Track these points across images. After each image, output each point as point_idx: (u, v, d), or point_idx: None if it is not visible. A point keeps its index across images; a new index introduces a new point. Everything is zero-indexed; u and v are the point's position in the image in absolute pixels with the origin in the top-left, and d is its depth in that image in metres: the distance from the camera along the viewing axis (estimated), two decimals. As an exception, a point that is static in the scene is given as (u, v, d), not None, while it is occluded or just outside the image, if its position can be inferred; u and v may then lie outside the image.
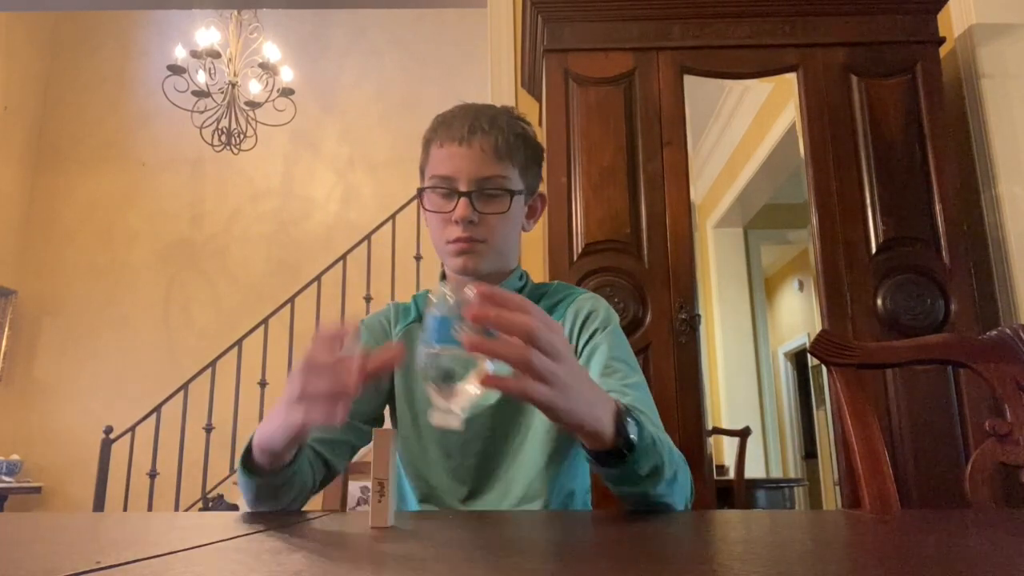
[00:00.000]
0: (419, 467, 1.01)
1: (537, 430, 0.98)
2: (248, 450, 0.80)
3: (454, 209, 0.97)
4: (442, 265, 1.07)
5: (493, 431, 0.99)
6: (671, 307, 1.91)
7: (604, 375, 0.93)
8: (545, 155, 1.10)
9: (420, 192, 1.03)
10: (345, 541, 0.56)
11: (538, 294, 1.08)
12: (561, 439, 0.97)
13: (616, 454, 0.69)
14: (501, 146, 0.98)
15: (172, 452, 4.31)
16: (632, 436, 0.69)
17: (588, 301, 1.04)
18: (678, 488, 0.80)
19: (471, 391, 0.61)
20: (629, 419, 0.69)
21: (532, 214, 1.09)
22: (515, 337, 0.58)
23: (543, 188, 1.10)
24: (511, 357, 0.58)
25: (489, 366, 0.60)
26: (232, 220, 5.71)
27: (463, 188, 0.97)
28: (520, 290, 1.06)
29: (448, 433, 0.99)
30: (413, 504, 1.02)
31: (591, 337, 0.99)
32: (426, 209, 1.02)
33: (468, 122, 0.99)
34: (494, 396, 0.98)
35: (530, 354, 0.57)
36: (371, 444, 0.64)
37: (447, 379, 0.61)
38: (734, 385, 2.47)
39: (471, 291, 0.60)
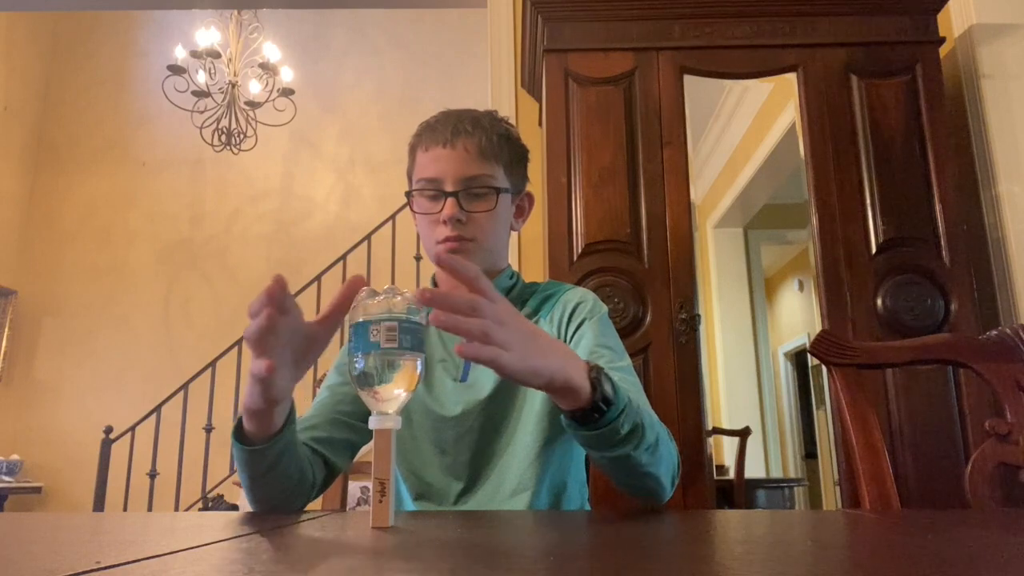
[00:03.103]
0: (414, 465, 1.01)
1: (528, 422, 0.98)
2: (239, 424, 0.80)
3: (442, 209, 0.99)
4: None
5: (485, 425, 0.99)
6: (671, 307, 1.91)
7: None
8: (532, 155, 1.12)
9: (408, 195, 1.05)
10: (345, 541, 0.56)
11: (528, 292, 1.09)
12: (551, 430, 0.98)
13: (595, 411, 0.71)
14: (485, 146, 1.00)
15: (172, 452, 4.31)
16: (608, 391, 0.71)
17: (576, 294, 1.06)
18: (662, 460, 0.81)
19: (396, 392, 0.62)
20: (603, 377, 0.72)
21: (520, 214, 1.11)
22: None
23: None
24: (468, 330, 0.61)
25: (419, 366, 0.63)
26: (232, 220, 5.71)
27: (449, 188, 0.99)
28: (511, 288, 1.07)
29: (441, 429, 1.00)
30: (408, 502, 1.02)
31: (578, 327, 1.01)
32: (415, 212, 1.04)
33: (451, 125, 1.01)
34: (484, 391, 0.99)
35: (485, 326, 0.62)
36: (371, 444, 0.64)
37: (368, 383, 0.62)
38: (734, 385, 2.47)
39: (376, 296, 0.63)
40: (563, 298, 1.05)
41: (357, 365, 0.62)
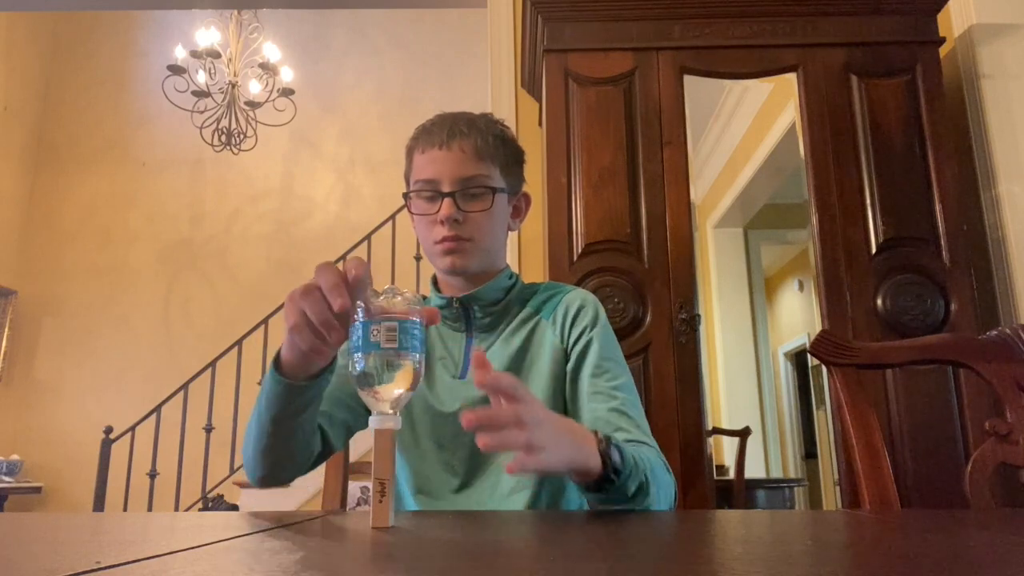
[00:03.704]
0: (412, 460, 1.02)
1: None
2: (277, 357, 0.81)
3: (439, 210, 1.00)
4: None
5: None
6: (671, 307, 1.91)
7: (594, 376, 0.98)
8: (532, 155, 1.13)
9: (406, 197, 1.06)
10: (345, 541, 0.56)
11: (528, 292, 1.10)
12: None
13: (606, 480, 0.75)
14: (481, 146, 1.01)
15: (172, 452, 4.31)
16: (616, 461, 0.75)
17: (577, 297, 1.07)
18: (662, 501, 0.86)
19: (396, 392, 0.63)
20: (612, 448, 0.76)
21: (517, 214, 1.12)
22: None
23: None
24: (517, 447, 0.64)
25: (419, 366, 0.64)
26: (232, 220, 5.71)
27: (446, 189, 1.00)
28: (510, 289, 1.08)
29: (440, 425, 1.00)
30: (408, 499, 1.02)
31: (581, 334, 1.02)
32: (413, 213, 1.05)
33: (447, 127, 1.02)
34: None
35: (531, 437, 0.64)
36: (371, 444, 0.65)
37: (368, 383, 0.62)
38: (734, 385, 2.47)
39: (376, 296, 0.64)
40: (565, 299, 1.06)
41: (357, 365, 0.63)
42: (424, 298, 1.12)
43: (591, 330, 1.02)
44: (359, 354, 0.62)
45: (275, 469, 0.89)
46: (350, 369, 0.64)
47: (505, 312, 1.06)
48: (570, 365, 1.01)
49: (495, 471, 0.99)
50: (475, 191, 1.01)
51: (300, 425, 0.85)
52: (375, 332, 0.61)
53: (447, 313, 1.06)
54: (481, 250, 1.03)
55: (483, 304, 1.05)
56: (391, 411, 0.63)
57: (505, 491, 0.98)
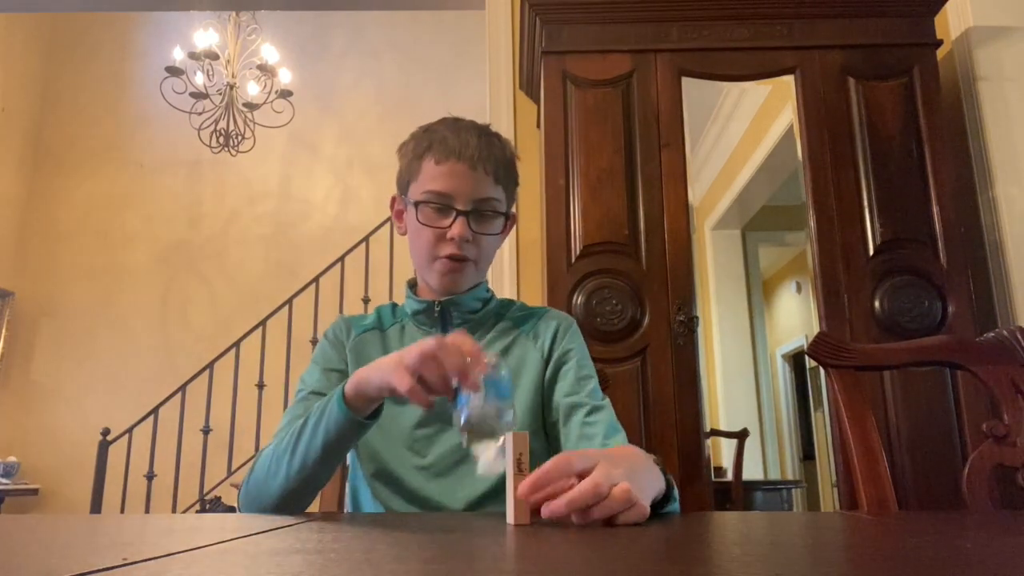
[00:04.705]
0: (389, 465, 1.00)
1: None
2: (342, 393, 0.85)
3: (450, 226, 1.00)
4: (414, 273, 1.11)
5: (447, 427, 1.00)
6: (669, 309, 1.91)
7: (576, 387, 1.03)
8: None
9: (416, 205, 1.03)
10: (343, 543, 0.56)
11: (503, 308, 1.12)
12: (533, 430, 1.00)
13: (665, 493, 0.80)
14: (500, 170, 1.03)
15: (169, 454, 4.30)
16: (669, 480, 0.80)
17: (556, 317, 1.11)
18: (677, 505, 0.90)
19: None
20: (667, 475, 0.80)
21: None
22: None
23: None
24: (617, 508, 0.65)
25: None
26: (230, 222, 5.70)
27: (460, 207, 1.00)
28: (487, 301, 1.10)
29: (412, 433, 1.01)
30: (364, 490, 1.03)
31: (565, 350, 1.06)
32: (419, 222, 1.02)
33: (469, 143, 1.01)
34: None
35: (631, 496, 0.65)
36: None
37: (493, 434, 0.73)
38: (732, 387, 2.47)
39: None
40: (546, 317, 1.09)
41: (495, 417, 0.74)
42: (395, 306, 1.12)
43: (572, 345, 1.06)
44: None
45: (300, 497, 0.90)
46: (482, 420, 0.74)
47: (481, 323, 1.08)
48: (548, 373, 1.04)
49: (471, 477, 0.98)
50: (488, 213, 1.03)
51: (342, 457, 0.90)
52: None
53: (424, 318, 1.07)
54: (478, 270, 1.06)
55: (462, 311, 1.06)
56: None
57: (478, 489, 0.97)
